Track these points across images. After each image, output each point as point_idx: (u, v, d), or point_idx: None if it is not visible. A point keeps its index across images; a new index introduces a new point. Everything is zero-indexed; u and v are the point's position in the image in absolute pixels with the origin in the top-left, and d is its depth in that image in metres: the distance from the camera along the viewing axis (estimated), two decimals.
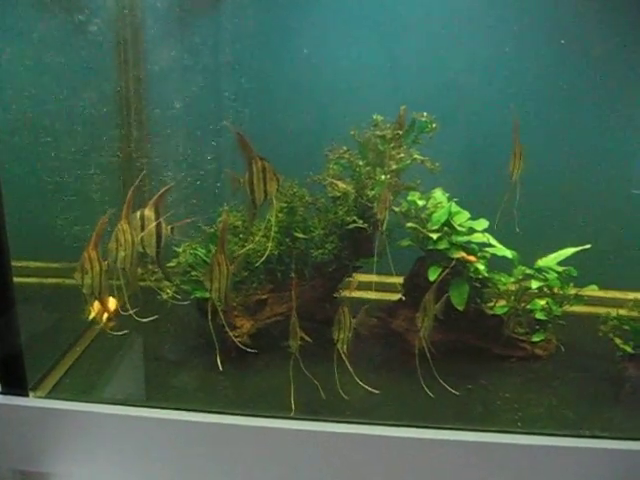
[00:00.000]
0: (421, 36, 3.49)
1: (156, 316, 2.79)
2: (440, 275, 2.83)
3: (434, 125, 3.02)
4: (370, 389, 2.71)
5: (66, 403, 2.60)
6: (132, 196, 2.60)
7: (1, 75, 3.58)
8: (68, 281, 3.64)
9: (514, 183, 2.78)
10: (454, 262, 2.84)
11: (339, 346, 2.60)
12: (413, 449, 2.45)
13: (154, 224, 2.66)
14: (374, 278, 3.01)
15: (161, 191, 2.72)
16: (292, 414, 2.58)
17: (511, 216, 2.82)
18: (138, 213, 2.66)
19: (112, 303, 3.07)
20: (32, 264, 3.79)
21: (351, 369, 2.65)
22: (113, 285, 2.66)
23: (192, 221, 2.94)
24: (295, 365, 2.63)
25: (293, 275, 3.07)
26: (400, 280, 3.19)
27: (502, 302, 3.14)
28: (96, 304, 2.81)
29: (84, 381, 2.88)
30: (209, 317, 2.70)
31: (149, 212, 2.66)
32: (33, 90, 3.56)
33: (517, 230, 2.83)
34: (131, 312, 2.69)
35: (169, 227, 2.71)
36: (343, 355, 2.61)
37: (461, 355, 3.04)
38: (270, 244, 2.92)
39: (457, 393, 2.77)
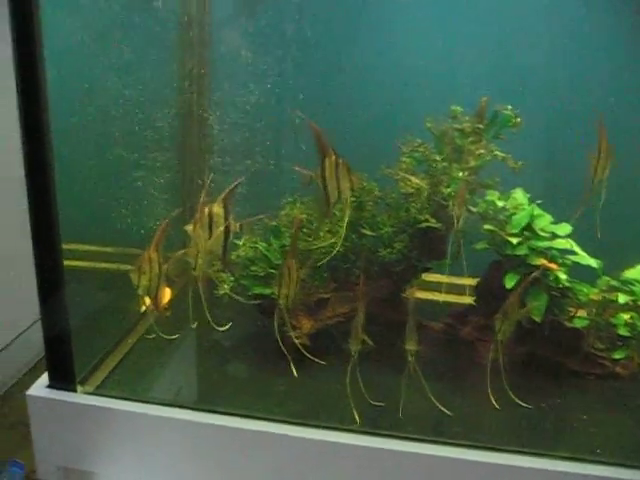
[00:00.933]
0: (504, 25, 3.26)
1: (230, 324, 2.71)
2: (519, 283, 2.63)
3: (518, 120, 2.80)
4: (443, 409, 2.52)
5: (114, 402, 2.50)
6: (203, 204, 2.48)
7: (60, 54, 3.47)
8: (123, 267, 3.58)
9: (597, 185, 2.55)
10: (537, 271, 2.61)
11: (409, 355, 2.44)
12: (479, 473, 2.29)
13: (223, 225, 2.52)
14: (444, 279, 2.85)
15: (231, 186, 2.54)
16: (356, 426, 2.42)
17: (594, 221, 2.60)
18: (207, 210, 2.51)
19: (167, 293, 2.96)
20: (86, 247, 3.68)
21: (425, 385, 2.49)
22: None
23: (261, 218, 2.80)
24: (355, 371, 2.47)
25: (358, 273, 2.90)
26: (472, 282, 3.02)
27: (582, 314, 2.91)
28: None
29: (134, 377, 2.74)
30: (275, 324, 2.60)
31: (218, 209, 2.50)
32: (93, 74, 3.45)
33: (598, 236, 2.61)
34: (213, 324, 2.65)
35: (238, 224, 2.55)
36: (412, 366, 2.43)
37: (534, 369, 2.80)
38: (336, 241, 2.76)
39: (530, 407, 2.58)
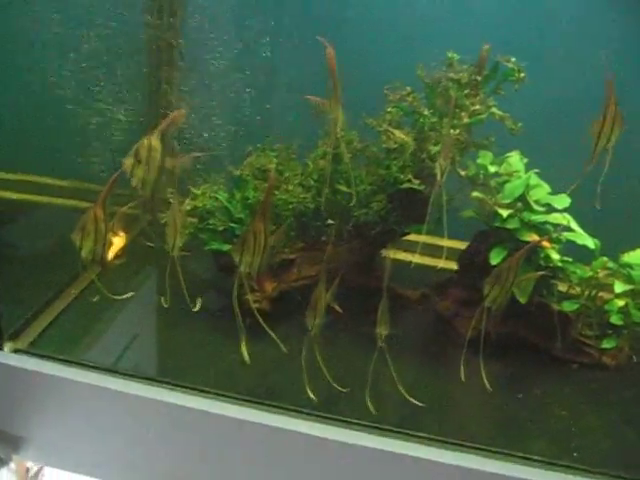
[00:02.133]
0: None
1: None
2: (504, 259, 2.35)
3: (522, 74, 2.46)
4: (414, 401, 2.23)
5: (44, 363, 2.23)
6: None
7: None
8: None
9: (599, 153, 2.22)
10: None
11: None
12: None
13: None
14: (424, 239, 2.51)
15: (169, 117, 2.19)
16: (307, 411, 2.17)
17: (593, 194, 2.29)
18: (145, 142, 2.15)
19: (120, 238, 2.67)
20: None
21: (394, 374, 2.20)
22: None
23: (205, 155, 2.46)
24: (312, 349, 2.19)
25: (329, 233, 2.62)
26: (454, 245, 2.69)
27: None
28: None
29: (71, 336, 2.46)
30: (235, 292, 2.25)
31: (155, 142, 2.16)
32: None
33: (597, 208, 2.30)
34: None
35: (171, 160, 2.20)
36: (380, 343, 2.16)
37: (515, 353, 2.55)
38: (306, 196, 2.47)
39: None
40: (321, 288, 2.15)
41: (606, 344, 2.59)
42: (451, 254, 2.76)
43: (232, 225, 2.53)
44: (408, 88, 2.54)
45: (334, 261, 2.52)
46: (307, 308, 2.15)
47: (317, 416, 2.15)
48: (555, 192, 2.54)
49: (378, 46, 2.96)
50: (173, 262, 2.23)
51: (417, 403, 2.21)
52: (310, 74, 2.30)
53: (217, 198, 2.52)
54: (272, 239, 2.20)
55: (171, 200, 2.29)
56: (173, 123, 2.17)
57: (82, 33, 2.99)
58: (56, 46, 3.03)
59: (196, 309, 2.36)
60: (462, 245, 2.76)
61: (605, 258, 2.58)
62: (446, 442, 2.08)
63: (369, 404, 2.19)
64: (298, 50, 3.00)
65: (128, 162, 2.10)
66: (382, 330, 2.10)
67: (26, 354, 2.30)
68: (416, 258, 3.14)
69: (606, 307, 2.59)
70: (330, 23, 3.00)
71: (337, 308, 2.26)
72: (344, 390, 2.24)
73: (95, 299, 2.51)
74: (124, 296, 2.37)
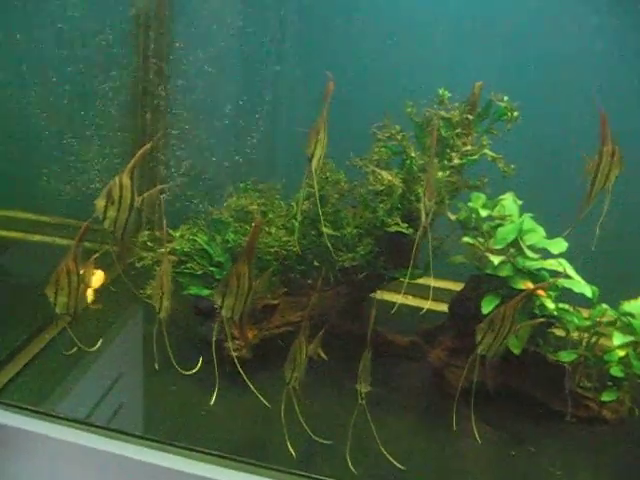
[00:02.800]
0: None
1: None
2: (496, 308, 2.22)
3: (515, 113, 2.36)
4: (395, 463, 2.07)
5: (14, 417, 2.12)
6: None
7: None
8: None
9: (596, 194, 2.09)
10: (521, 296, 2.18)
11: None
12: None
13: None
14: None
15: (137, 154, 2.04)
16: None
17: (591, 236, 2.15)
18: (117, 181, 2.01)
19: (98, 276, 2.56)
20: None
21: (375, 435, 2.06)
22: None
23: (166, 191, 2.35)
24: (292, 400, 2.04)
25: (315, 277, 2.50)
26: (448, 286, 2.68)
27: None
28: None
29: (41, 385, 2.34)
30: (214, 337, 2.15)
31: (126, 180, 2.01)
32: None
33: (593, 250, 2.15)
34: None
35: (140, 198, 2.06)
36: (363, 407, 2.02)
37: (509, 406, 2.42)
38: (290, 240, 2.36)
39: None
40: (301, 339, 2.02)
41: (606, 397, 2.44)
42: (446, 295, 2.68)
43: (211, 269, 2.42)
44: (397, 127, 2.45)
45: (319, 307, 2.42)
46: (286, 359, 2.03)
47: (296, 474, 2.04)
48: (552, 235, 2.43)
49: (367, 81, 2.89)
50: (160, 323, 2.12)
51: (398, 465, 2.07)
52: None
53: (196, 241, 2.42)
54: (256, 283, 2.07)
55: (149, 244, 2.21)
56: (141, 159, 2.06)
57: None
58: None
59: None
60: (456, 286, 2.65)
61: (605, 306, 2.45)
62: None
63: (349, 463, 2.06)
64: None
65: (100, 203, 1.99)
66: (362, 388, 1.98)
67: None
68: (409, 300, 3.06)
69: (606, 357, 2.45)
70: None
71: (322, 355, 2.15)
72: (326, 443, 2.11)
73: (69, 352, 2.38)
74: (96, 346, 2.25)
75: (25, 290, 2.80)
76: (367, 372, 1.99)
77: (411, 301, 3.14)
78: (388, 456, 2.06)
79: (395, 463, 2.06)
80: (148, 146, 2.09)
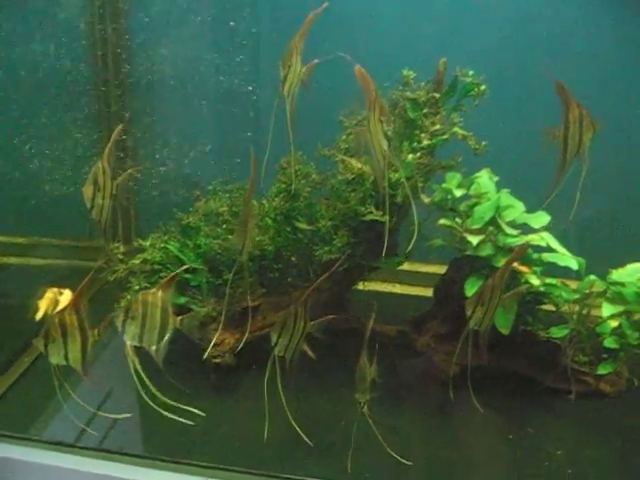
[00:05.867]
0: None
1: None
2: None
3: (482, 87, 2.28)
4: (400, 458, 2.02)
5: None
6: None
7: None
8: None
9: (570, 162, 1.99)
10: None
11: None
12: None
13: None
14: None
15: (112, 138, 2.03)
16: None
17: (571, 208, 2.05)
18: (99, 165, 2.00)
19: (67, 295, 2.48)
20: None
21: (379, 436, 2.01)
22: None
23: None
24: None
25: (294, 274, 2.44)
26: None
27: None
28: (46, 296, 2.32)
29: (23, 410, 2.27)
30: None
31: (106, 165, 1.99)
32: None
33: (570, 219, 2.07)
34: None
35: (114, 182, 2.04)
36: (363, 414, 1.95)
37: (504, 388, 2.36)
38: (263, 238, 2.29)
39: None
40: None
41: (602, 370, 2.37)
42: (434, 280, 2.62)
43: (186, 276, 2.35)
44: (364, 113, 2.37)
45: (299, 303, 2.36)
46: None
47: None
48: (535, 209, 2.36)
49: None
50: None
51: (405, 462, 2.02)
52: None
53: (167, 249, 2.35)
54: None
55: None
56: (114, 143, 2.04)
57: None
58: None
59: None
60: (442, 270, 2.58)
61: (593, 277, 2.38)
62: None
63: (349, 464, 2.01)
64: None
65: (88, 190, 1.98)
66: (361, 398, 1.92)
67: None
68: (396, 288, 3.00)
69: (598, 329, 2.38)
70: None
71: (310, 353, 2.08)
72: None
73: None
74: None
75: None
76: (365, 381, 1.93)
77: (398, 289, 3.09)
78: (394, 454, 2.02)
79: (399, 458, 2.01)
80: (120, 127, 2.08)
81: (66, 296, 2.48)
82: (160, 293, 1.91)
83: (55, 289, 2.35)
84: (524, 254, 2.21)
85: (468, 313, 1.99)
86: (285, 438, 2.09)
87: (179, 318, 1.97)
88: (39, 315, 2.32)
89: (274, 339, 1.94)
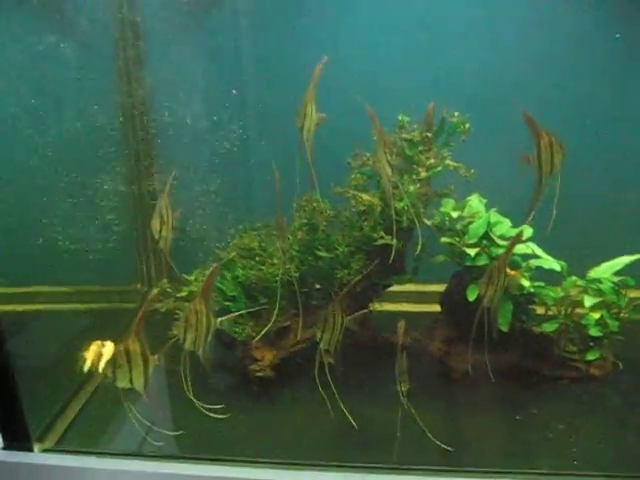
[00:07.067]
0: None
1: None
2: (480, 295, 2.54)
3: (467, 125, 2.71)
4: (443, 445, 2.38)
5: (75, 458, 2.37)
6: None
7: None
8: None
9: (545, 182, 2.30)
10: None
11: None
12: None
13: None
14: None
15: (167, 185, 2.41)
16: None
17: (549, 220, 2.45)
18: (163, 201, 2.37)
19: (110, 347, 2.78)
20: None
21: (420, 423, 2.38)
22: None
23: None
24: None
25: (318, 296, 2.81)
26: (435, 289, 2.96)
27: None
28: (91, 349, 2.53)
29: (95, 428, 2.62)
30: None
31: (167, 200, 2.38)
32: None
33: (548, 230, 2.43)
34: None
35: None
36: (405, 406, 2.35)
37: (507, 379, 2.71)
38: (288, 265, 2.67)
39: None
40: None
41: (590, 356, 2.78)
42: (436, 298, 3.00)
43: (227, 304, 2.72)
44: (367, 154, 2.79)
45: (325, 321, 2.72)
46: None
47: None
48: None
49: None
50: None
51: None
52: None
53: None
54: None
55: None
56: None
57: None
58: None
59: None
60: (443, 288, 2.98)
61: (574, 277, 2.78)
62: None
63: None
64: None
65: (156, 223, 2.36)
66: (402, 387, 2.31)
67: (53, 452, 2.45)
68: (404, 307, 3.37)
69: (583, 322, 2.79)
70: None
71: (331, 361, 2.43)
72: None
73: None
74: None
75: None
76: (404, 374, 2.32)
77: (406, 307, 3.46)
78: (435, 440, 2.38)
79: (443, 446, 2.37)
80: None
81: (109, 348, 2.78)
82: (202, 300, 2.25)
83: (99, 342, 2.54)
84: (520, 241, 2.58)
85: (482, 292, 2.34)
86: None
87: (219, 319, 2.34)
88: (86, 367, 2.54)
89: (319, 335, 2.32)
